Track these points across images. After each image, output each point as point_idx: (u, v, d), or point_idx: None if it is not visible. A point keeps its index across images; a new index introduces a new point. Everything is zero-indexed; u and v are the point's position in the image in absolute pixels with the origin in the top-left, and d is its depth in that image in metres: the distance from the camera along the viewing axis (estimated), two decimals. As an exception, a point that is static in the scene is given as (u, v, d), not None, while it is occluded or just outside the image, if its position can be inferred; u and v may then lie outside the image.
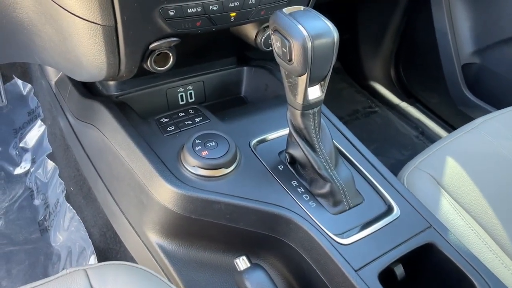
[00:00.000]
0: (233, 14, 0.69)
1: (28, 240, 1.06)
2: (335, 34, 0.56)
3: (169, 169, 0.67)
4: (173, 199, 0.64)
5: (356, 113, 1.62)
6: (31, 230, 1.08)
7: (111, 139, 0.76)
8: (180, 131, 0.74)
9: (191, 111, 0.80)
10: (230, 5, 0.67)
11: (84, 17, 0.60)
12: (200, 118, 0.77)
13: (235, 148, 0.68)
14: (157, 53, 0.69)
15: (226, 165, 0.67)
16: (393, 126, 1.59)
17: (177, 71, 0.91)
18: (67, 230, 1.02)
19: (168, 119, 0.77)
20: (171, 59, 0.72)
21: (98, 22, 0.60)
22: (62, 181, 1.07)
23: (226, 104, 1.01)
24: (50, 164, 1.12)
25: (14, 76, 1.27)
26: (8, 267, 1.01)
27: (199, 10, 0.65)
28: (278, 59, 0.59)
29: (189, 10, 0.64)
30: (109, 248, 0.94)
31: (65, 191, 1.05)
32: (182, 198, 0.64)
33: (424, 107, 1.63)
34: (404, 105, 1.66)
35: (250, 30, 0.82)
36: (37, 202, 1.14)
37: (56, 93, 1.01)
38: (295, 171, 0.69)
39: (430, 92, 1.58)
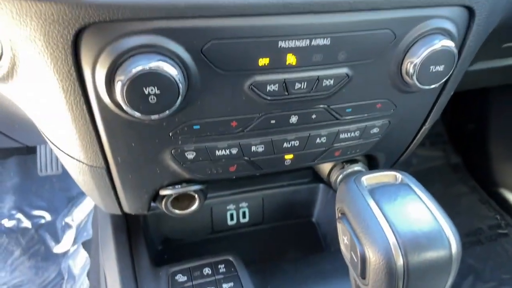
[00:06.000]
0: (289, 157, 0.44)
1: None
2: (453, 242, 0.33)
3: None
4: None
5: (478, 233, 1.16)
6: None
7: (107, 274, 0.56)
8: None
9: (222, 268, 0.55)
10: (286, 145, 0.42)
11: (66, 151, 0.41)
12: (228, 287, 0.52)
13: None
14: (175, 196, 0.48)
15: None
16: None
17: (229, 183, 0.69)
18: None
19: (186, 278, 0.53)
20: (197, 202, 0.49)
21: (82, 161, 0.41)
22: (88, 281, 0.90)
23: (290, 230, 0.75)
24: (83, 256, 0.96)
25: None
26: None
27: (234, 152, 0.41)
28: (346, 261, 0.34)
29: (217, 153, 0.41)
30: None
31: (87, 296, 0.88)
32: None
33: None
34: (549, 229, 1.21)
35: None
36: (64, 295, 0.98)
37: None
38: None
39: None
